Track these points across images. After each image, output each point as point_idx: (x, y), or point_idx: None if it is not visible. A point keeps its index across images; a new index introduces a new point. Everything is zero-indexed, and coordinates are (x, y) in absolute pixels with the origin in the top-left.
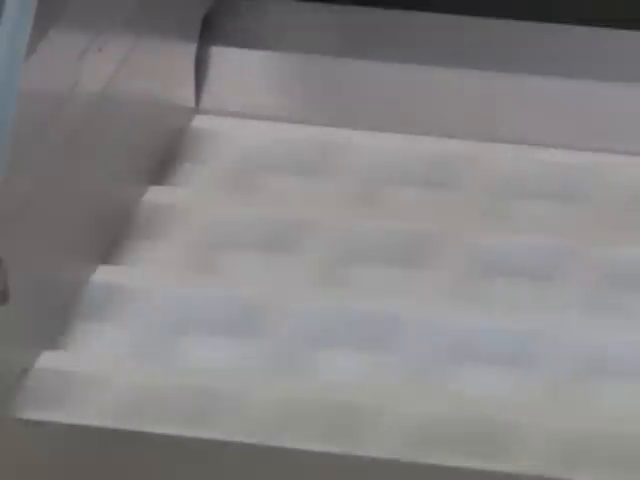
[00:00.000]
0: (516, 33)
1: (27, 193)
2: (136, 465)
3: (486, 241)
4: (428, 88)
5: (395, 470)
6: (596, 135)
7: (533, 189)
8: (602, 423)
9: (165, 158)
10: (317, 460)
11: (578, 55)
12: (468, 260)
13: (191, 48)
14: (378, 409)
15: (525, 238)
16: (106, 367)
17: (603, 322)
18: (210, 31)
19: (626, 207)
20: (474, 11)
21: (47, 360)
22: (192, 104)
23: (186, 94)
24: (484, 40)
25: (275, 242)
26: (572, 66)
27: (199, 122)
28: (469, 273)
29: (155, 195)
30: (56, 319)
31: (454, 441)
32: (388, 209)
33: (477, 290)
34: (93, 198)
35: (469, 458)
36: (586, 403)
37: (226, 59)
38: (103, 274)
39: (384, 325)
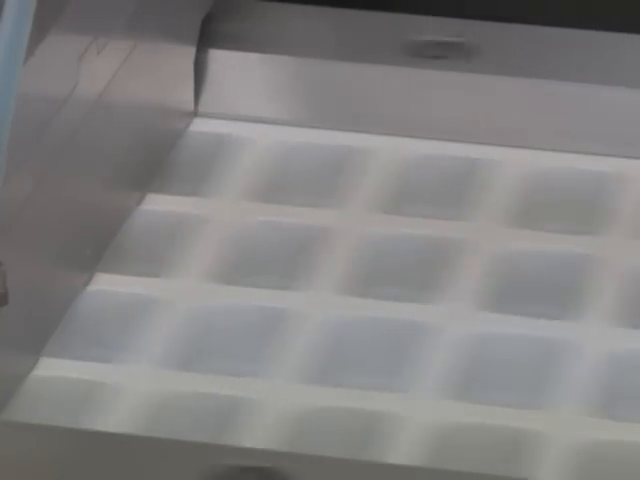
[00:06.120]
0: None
1: (25, 196)
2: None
3: (375, 236)
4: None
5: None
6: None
7: (429, 184)
8: (478, 415)
9: (163, 160)
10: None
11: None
12: (358, 256)
13: (190, 51)
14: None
15: (418, 232)
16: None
17: (489, 316)
18: (209, 34)
19: (522, 202)
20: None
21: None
22: (191, 107)
23: (185, 97)
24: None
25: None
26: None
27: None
28: (357, 269)
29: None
30: (53, 325)
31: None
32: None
33: (364, 287)
34: (91, 202)
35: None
36: (465, 396)
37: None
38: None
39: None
